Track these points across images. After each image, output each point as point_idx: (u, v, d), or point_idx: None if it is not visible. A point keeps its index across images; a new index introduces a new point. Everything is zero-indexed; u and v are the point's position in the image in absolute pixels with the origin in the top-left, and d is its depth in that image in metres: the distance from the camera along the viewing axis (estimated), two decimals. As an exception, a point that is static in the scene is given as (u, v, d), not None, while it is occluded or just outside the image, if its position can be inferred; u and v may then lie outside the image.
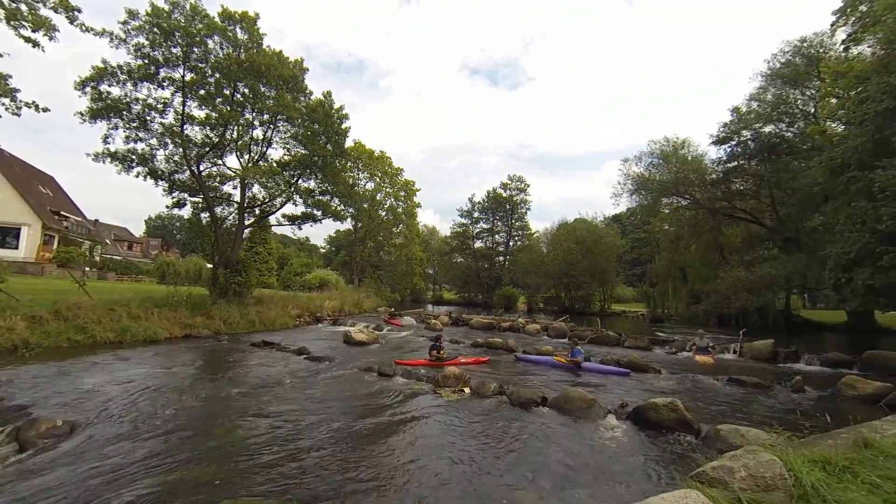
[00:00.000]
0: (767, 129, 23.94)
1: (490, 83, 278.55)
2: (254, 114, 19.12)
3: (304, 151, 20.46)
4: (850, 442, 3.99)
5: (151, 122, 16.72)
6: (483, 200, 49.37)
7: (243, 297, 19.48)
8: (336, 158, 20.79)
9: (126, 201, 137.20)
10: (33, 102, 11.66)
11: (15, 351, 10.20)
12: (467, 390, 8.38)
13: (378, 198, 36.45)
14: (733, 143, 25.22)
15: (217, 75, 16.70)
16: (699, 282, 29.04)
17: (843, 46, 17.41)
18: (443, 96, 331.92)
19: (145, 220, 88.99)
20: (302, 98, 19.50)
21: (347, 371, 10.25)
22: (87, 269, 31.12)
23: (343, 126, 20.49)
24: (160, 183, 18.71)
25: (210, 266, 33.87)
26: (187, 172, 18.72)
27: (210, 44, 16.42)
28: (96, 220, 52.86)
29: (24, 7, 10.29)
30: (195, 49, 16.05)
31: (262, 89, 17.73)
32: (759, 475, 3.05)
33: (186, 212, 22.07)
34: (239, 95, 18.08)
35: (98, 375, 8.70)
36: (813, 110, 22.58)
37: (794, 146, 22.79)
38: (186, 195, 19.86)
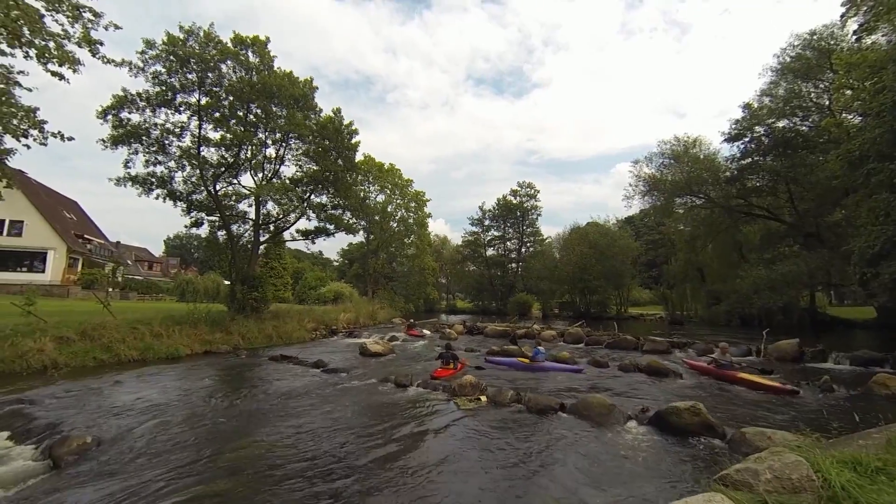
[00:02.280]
0: (781, 123, 23.51)
1: (496, 91, 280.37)
2: (266, 133, 19.69)
3: (315, 167, 20.91)
4: (882, 442, 3.86)
5: (169, 145, 17.34)
6: (493, 208, 49.44)
7: (260, 312, 19.81)
8: (347, 173, 21.16)
9: (146, 222, 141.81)
10: (59, 132, 12.22)
11: (45, 371, 10.57)
12: (484, 399, 8.34)
13: (389, 209, 36.84)
14: (746, 139, 24.83)
15: (231, 98, 17.26)
16: (718, 282, 28.40)
17: (855, 37, 17.09)
18: (450, 108, 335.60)
19: (164, 240, 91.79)
20: (312, 115, 19.98)
21: (364, 382, 10.31)
22: (110, 289, 32.12)
23: (353, 141, 20.89)
24: (179, 204, 19.28)
25: (227, 283, 34.62)
26: (204, 192, 19.30)
27: (224, 68, 17.02)
28: (118, 242, 54.62)
29: (52, 44, 10.86)
30: (209, 74, 16.66)
31: (275, 109, 18.25)
32: (784, 477, 2.98)
33: (204, 230, 22.77)
34: (252, 116, 18.64)
35: (124, 393, 8.94)
36: (827, 103, 22.11)
37: (810, 140, 22.30)
38: (203, 214, 20.39)
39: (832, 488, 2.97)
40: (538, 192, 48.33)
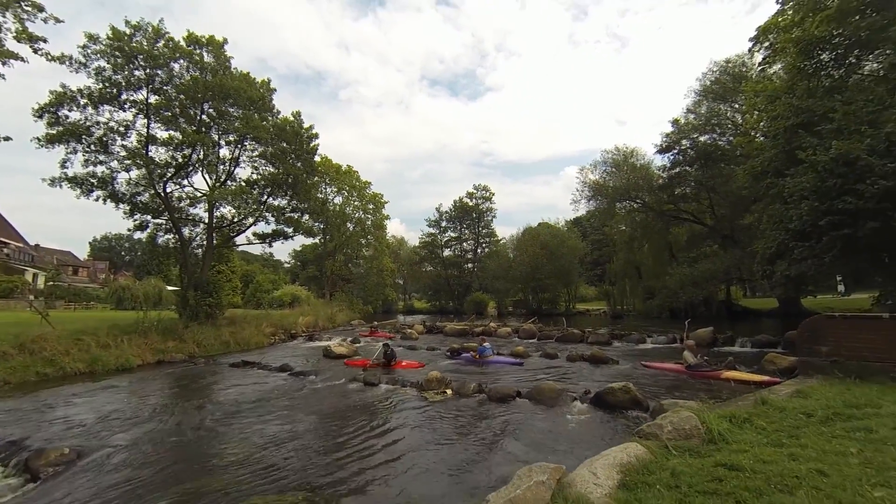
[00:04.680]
0: (703, 138, 26.63)
1: (451, 93, 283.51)
2: (220, 134, 19.17)
3: (273, 170, 20.63)
4: (751, 403, 5.15)
5: (113, 144, 16.44)
6: (450, 210, 50.61)
7: (215, 318, 19.26)
8: (307, 176, 21.10)
9: (65, 222, 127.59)
10: (-8, 132, 11.41)
11: (-18, 389, 9.92)
12: (449, 391, 9.15)
13: (347, 211, 36.66)
14: (675, 151, 27.80)
15: (182, 97, 16.70)
16: (653, 278, 31.39)
17: (759, 68, 19.97)
18: (405, 107, 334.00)
19: (90, 242, 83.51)
20: (269, 117, 19.73)
21: (334, 383, 10.73)
22: (32, 297, 29.26)
23: (312, 144, 20.88)
24: (121, 206, 18.26)
25: (171, 289, 32.68)
26: (150, 194, 18.42)
27: (176, 67, 16.45)
28: (37, 245, 49.34)
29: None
30: (159, 72, 16.03)
31: (231, 110, 17.88)
32: (680, 428, 4.06)
33: (142, 234, 21.54)
34: (205, 116, 18.11)
35: (81, 406, 8.73)
36: (741, 121, 25.41)
37: (727, 153, 25.47)
38: (150, 217, 19.44)
39: (712, 433, 4.10)
40: (493, 194, 50.23)
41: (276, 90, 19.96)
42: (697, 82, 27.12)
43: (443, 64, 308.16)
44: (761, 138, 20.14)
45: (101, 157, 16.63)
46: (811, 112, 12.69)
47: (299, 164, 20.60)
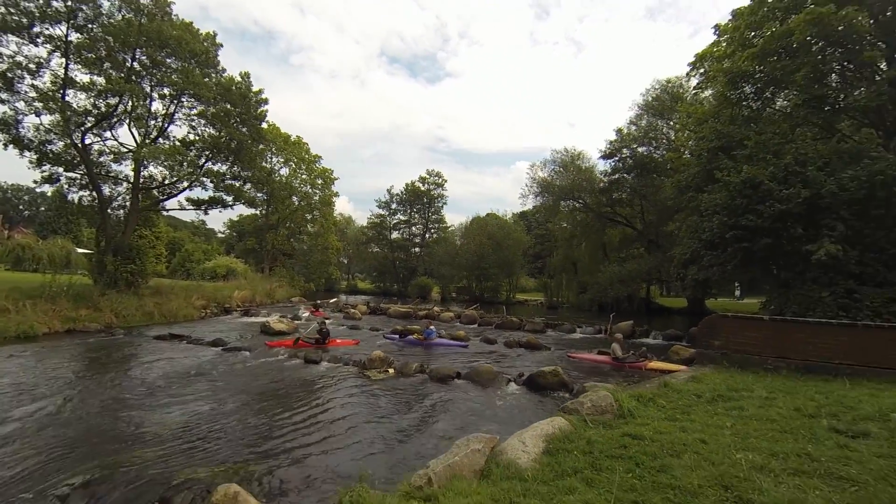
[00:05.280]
0: (641, 149, 28.89)
1: (409, 74, 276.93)
2: (152, 86, 17.32)
3: (213, 132, 19.11)
4: (657, 385, 6.03)
5: (20, 82, 14.24)
6: (401, 193, 50.07)
7: (137, 286, 17.72)
8: (252, 143, 19.82)
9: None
10: None
11: None
12: (392, 370, 9.42)
13: (294, 185, 34.91)
14: (616, 158, 29.87)
15: (110, 39, 14.81)
16: (587, 274, 33.79)
17: (693, 91, 22.05)
18: (360, 81, 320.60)
19: (-22, 192, 71.49)
20: (213, 74, 18.16)
21: (272, 359, 10.53)
22: None
23: (260, 110, 19.61)
24: (27, 154, 15.98)
25: (82, 251, 29.25)
26: (63, 144, 16.28)
27: (105, 4, 14.53)
28: None
29: None
30: (84, 7, 14.06)
31: (168, 61, 16.20)
32: (598, 405, 4.69)
33: (50, 188, 19.00)
34: (136, 64, 16.25)
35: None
36: (673, 138, 27.91)
37: (660, 166, 27.92)
38: (61, 170, 17.21)
39: (623, 409, 4.78)
40: (445, 181, 50.41)
41: (221, 45, 18.40)
42: (641, 97, 29.27)
43: (403, 42, 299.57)
44: (688, 155, 22.37)
45: (4, 96, 14.38)
46: (730, 137, 14.39)
47: (244, 129, 19.29)
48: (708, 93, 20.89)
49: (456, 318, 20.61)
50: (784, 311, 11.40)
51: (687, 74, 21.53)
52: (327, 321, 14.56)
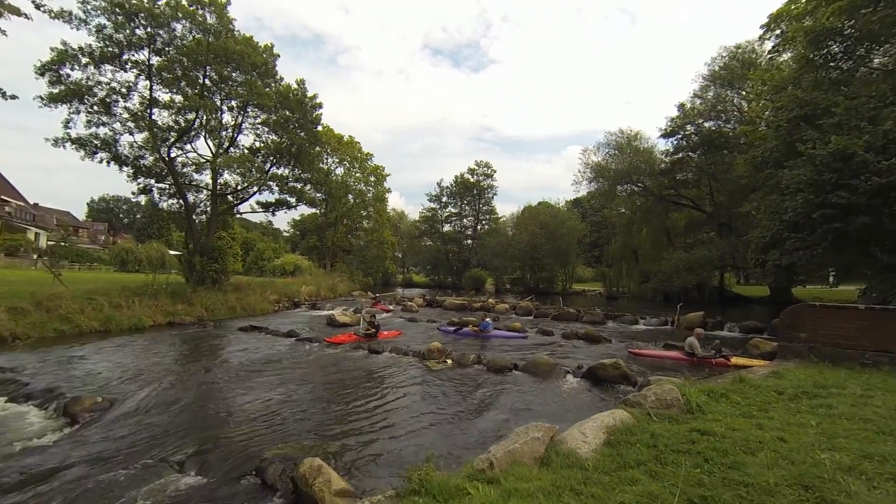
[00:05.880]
0: (708, 124, 26.52)
1: (453, 64, 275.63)
2: (222, 99, 18.99)
3: (275, 138, 20.57)
4: (731, 380, 5.68)
5: (115, 106, 16.34)
6: (451, 185, 50.45)
7: (221, 284, 19.70)
8: (310, 146, 21.07)
9: (61, 182, 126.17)
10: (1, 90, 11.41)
11: (4, 342, 10.41)
12: (450, 361, 9.71)
13: (349, 183, 36.61)
14: (679, 136, 27.71)
15: (184, 60, 16.46)
16: (649, 262, 31.95)
17: (769, 56, 19.76)
18: (405, 76, 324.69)
19: (88, 203, 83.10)
20: (273, 84, 19.49)
21: (339, 349, 11.30)
22: (36, 256, 29.56)
23: (316, 114, 20.73)
24: (125, 168, 18.32)
25: (173, 253, 32.96)
26: (153, 158, 18.44)
27: (178, 28, 16.15)
28: (36, 204, 49.13)
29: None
30: (161, 32, 15.74)
31: (233, 75, 17.67)
32: (663, 399, 4.56)
33: (143, 197, 21.61)
34: (207, 81, 17.91)
35: (100, 361, 9.24)
36: (746, 109, 25.28)
37: (731, 141, 25.48)
38: (153, 181, 19.52)
39: (690, 404, 4.60)
40: (495, 171, 49.95)
41: (278, 56, 19.65)
42: (706, 67, 26.80)
43: (446, 33, 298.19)
44: (764, 128, 20.19)
45: (104, 119, 16.58)
46: (814, 105, 12.80)
47: (302, 134, 20.53)
48: (786, 56, 18.66)
49: (511, 310, 20.56)
50: (889, 299, 10.07)
51: (760, 38, 19.42)
52: (387, 314, 15.20)
